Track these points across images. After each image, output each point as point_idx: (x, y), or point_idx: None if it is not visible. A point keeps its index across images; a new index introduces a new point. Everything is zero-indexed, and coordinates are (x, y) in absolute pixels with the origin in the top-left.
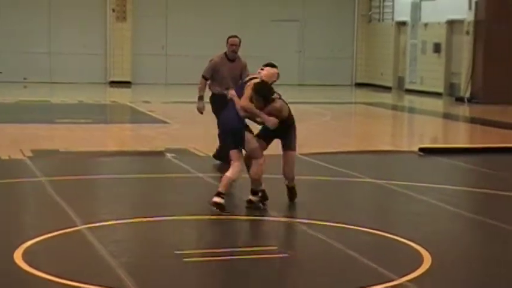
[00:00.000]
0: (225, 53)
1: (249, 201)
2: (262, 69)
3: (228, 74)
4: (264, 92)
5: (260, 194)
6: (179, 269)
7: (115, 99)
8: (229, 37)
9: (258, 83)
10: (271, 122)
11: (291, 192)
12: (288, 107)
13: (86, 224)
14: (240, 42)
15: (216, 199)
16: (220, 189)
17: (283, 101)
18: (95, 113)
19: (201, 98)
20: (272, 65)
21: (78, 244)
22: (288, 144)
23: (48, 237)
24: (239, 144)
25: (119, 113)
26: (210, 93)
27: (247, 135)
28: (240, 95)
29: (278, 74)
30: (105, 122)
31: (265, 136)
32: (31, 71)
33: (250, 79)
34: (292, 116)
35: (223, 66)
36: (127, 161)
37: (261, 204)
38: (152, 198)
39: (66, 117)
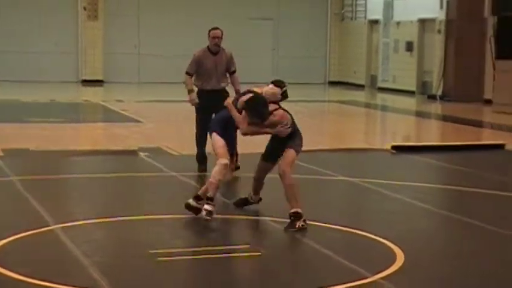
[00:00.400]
0: (208, 46)
1: (193, 207)
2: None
3: (213, 67)
4: (257, 109)
5: (213, 203)
6: (153, 269)
7: (87, 98)
8: (211, 29)
9: (248, 100)
10: (282, 132)
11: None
12: (290, 115)
13: (58, 223)
14: (222, 34)
15: (208, 207)
16: (210, 193)
17: (283, 109)
18: (67, 112)
19: (191, 90)
20: (278, 83)
21: (51, 244)
22: (291, 144)
23: (20, 237)
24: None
25: (91, 112)
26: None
27: (214, 136)
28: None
29: (284, 93)
30: (77, 121)
31: (271, 153)
32: (2, 70)
33: (245, 92)
34: (295, 124)
35: (207, 60)
36: (100, 160)
37: (208, 217)
38: (125, 198)
39: (38, 116)
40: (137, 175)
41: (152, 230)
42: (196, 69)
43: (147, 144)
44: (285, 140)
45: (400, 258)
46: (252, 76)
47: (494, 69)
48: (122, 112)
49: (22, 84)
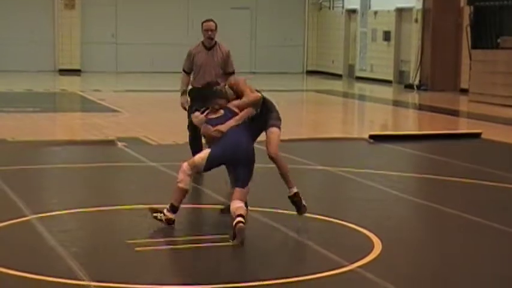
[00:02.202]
0: (202, 41)
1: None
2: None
3: (206, 63)
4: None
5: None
6: (131, 258)
7: (64, 88)
8: (204, 21)
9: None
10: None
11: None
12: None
13: (35, 214)
14: (216, 26)
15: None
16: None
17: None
18: (44, 102)
19: (183, 92)
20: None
21: (28, 234)
22: (271, 122)
23: None
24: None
25: (68, 101)
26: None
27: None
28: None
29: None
30: (54, 111)
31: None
32: None
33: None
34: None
35: (200, 55)
36: (77, 150)
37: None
38: (103, 188)
39: (14, 106)
40: (115, 165)
41: (130, 220)
42: (190, 65)
43: (125, 134)
44: (263, 121)
45: (377, 247)
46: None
47: (470, 58)
48: (100, 102)
49: None
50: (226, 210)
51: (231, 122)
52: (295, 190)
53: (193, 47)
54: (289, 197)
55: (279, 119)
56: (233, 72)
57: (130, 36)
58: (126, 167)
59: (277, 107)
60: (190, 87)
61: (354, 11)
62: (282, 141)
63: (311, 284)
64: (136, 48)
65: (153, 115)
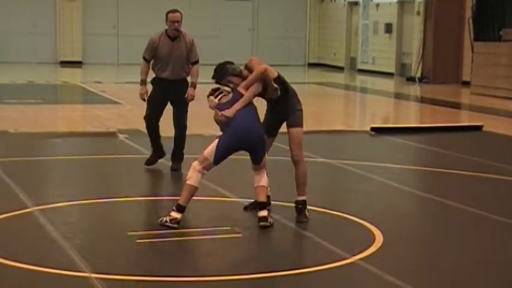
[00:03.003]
0: (166, 30)
1: (263, 218)
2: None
3: (169, 54)
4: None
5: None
6: (132, 250)
7: (66, 80)
8: (169, 12)
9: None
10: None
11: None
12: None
13: (37, 205)
14: (181, 17)
15: (264, 213)
16: (262, 199)
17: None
18: (46, 94)
19: (143, 82)
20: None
21: (30, 226)
22: (294, 120)
23: None
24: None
25: (70, 93)
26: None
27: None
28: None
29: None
30: (55, 103)
31: (271, 127)
32: None
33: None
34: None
35: (163, 45)
36: (78, 142)
37: (271, 221)
38: (104, 180)
39: (16, 98)
40: (116, 157)
41: (131, 212)
42: (153, 55)
43: (126, 126)
44: (284, 109)
45: (378, 239)
46: (231, 57)
47: (472, 51)
48: (101, 94)
49: None
50: (251, 207)
51: (237, 106)
52: (304, 198)
53: (156, 36)
54: (296, 201)
55: (302, 117)
56: (197, 62)
57: (132, 27)
58: (127, 159)
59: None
60: (151, 77)
61: (356, 3)
62: (284, 132)
63: (312, 276)
64: (138, 40)
65: None
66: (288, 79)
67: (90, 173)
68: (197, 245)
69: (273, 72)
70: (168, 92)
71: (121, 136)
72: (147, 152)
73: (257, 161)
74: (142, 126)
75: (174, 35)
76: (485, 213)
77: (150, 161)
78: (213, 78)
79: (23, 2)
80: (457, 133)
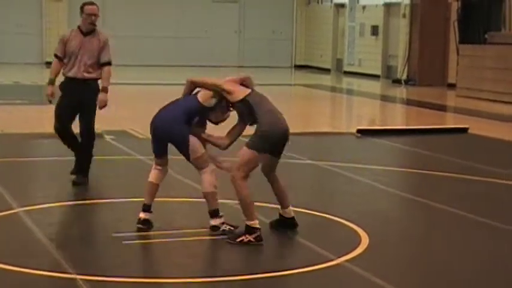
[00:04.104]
0: (79, 25)
1: (213, 227)
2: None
3: (79, 49)
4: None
5: (221, 214)
6: (118, 252)
7: None
8: (86, 4)
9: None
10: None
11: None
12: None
13: (22, 206)
14: (98, 11)
15: (215, 221)
16: (213, 207)
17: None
18: (32, 94)
19: (51, 81)
20: None
21: (15, 227)
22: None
23: None
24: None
25: (56, 94)
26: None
27: (192, 139)
28: (189, 105)
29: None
30: (42, 103)
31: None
32: None
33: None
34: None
35: (74, 40)
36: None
37: (228, 227)
38: (91, 181)
39: (2, 99)
40: (103, 158)
41: (117, 213)
42: (64, 51)
43: (112, 127)
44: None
45: (364, 241)
46: (218, 59)
47: (458, 53)
48: None
49: None
50: (275, 224)
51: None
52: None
53: (67, 32)
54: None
55: (260, 141)
56: (109, 63)
57: (117, 29)
58: (113, 160)
59: (266, 117)
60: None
61: (342, 5)
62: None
63: (298, 277)
64: (122, 41)
65: (139, 108)
66: (274, 81)
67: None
68: (184, 246)
69: (235, 92)
70: (76, 93)
71: (107, 137)
72: (134, 153)
73: (183, 155)
74: (128, 127)
75: (88, 29)
76: (470, 215)
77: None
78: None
79: (8, 2)
80: (443, 135)
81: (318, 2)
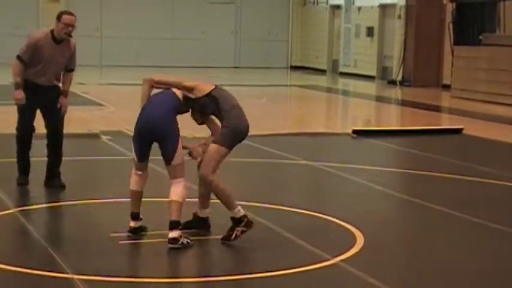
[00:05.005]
0: (52, 31)
1: (173, 240)
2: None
3: (52, 58)
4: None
5: (180, 227)
6: (114, 252)
7: None
8: (64, 13)
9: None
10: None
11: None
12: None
13: (18, 207)
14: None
15: (175, 234)
16: (175, 218)
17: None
18: None
19: (19, 85)
20: None
21: (11, 227)
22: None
23: None
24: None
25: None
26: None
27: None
28: (164, 100)
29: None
30: None
31: None
32: None
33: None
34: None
35: (47, 48)
36: None
37: (187, 241)
38: (87, 181)
39: None
40: (99, 158)
41: (114, 213)
42: (32, 57)
43: (109, 128)
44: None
45: (359, 241)
46: (214, 60)
47: (452, 55)
48: (84, 95)
49: None
50: (184, 226)
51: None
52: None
53: (40, 34)
54: (200, 216)
55: (228, 138)
56: (73, 69)
57: (115, 30)
58: (110, 160)
59: (233, 112)
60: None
61: (338, 6)
62: (267, 135)
63: (294, 277)
64: (120, 42)
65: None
66: (270, 82)
67: (72, 175)
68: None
69: (198, 87)
70: (40, 98)
71: (104, 138)
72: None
73: (166, 156)
74: (125, 127)
75: (63, 38)
76: (464, 215)
77: (25, 180)
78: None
79: (5, 3)
80: (438, 136)
81: (313, 4)
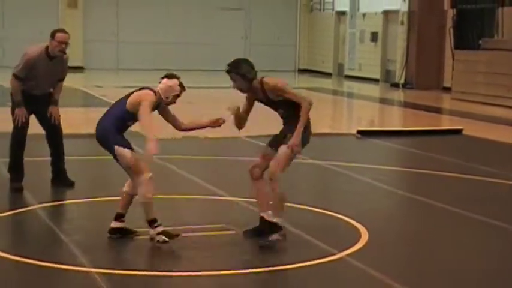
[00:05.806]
0: (46, 47)
1: (158, 235)
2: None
3: (46, 74)
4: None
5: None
6: (130, 246)
7: (67, 84)
8: (58, 31)
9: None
10: None
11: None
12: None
13: (40, 203)
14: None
15: (158, 229)
16: (150, 217)
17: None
18: None
19: (19, 103)
20: (171, 76)
21: (33, 223)
22: (287, 139)
23: (2, 216)
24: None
25: (71, 96)
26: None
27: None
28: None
29: (181, 86)
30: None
31: (274, 139)
32: None
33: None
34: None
35: (41, 63)
36: (79, 143)
37: (163, 239)
38: (104, 179)
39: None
40: (107, 158)
41: (130, 210)
42: (27, 74)
43: None
44: (287, 125)
45: (364, 236)
46: (225, 64)
47: (453, 59)
48: (101, 97)
49: (5, 70)
50: (250, 234)
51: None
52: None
53: (34, 52)
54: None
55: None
56: (64, 79)
57: (131, 34)
58: None
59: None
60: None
61: (343, 13)
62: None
63: (301, 271)
64: (136, 46)
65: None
66: None
67: (90, 173)
68: (193, 241)
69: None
70: (33, 104)
71: None
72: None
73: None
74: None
75: (56, 55)
76: (467, 213)
77: (18, 187)
78: (228, 65)
79: (30, 11)
80: (439, 136)
81: (320, 10)
